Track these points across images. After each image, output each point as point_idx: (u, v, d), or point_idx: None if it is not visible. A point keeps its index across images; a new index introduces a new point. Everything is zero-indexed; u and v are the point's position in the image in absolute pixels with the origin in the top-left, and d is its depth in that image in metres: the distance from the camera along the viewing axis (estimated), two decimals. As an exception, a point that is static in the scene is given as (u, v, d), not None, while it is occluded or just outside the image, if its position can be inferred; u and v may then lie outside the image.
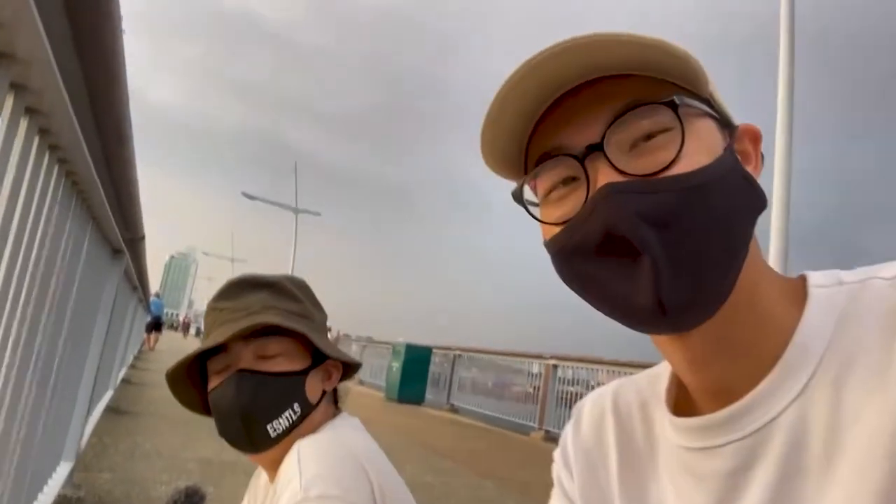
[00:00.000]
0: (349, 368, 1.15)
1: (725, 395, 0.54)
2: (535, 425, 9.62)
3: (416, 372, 12.88)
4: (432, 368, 13.19)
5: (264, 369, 1.01)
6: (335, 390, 1.16)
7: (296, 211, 40.78)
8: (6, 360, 1.60)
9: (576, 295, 0.57)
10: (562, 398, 9.51)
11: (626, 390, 0.69)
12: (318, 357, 1.08)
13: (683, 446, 0.58)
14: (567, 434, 0.72)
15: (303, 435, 1.04)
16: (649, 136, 0.51)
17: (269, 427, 1.00)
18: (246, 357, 1.02)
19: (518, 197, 0.58)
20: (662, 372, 0.66)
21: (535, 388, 10.25)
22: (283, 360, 1.03)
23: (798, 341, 0.52)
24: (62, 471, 3.39)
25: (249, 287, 1.08)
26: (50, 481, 3.11)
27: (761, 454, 0.51)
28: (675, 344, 0.55)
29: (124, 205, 2.76)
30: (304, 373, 1.05)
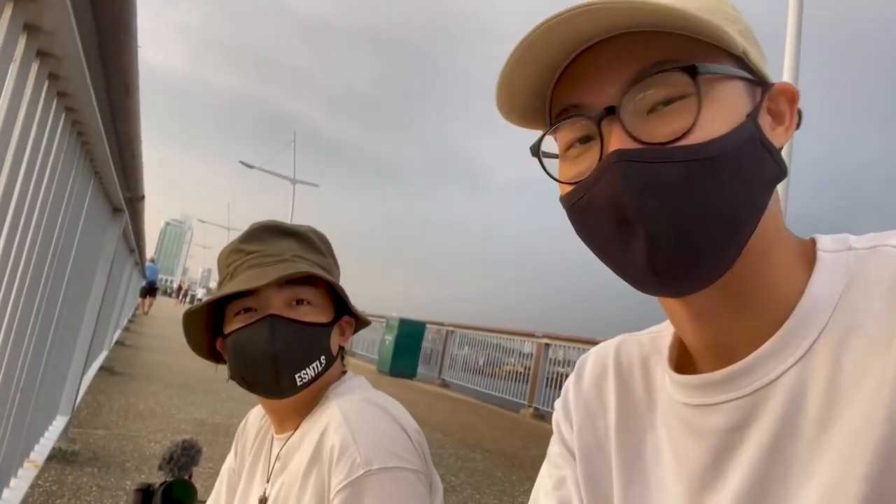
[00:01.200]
0: (359, 324, 1.16)
1: (726, 354, 0.55)
2: (525, 402, 9.71)
3: (408, 346, 12.93)
4: (424, 344, 13.25)
5: (297, 317, 1.01)
6: (341, 347, 1.16)
7: (293, 181, 40.60)
8: (10, 307, 1.61)
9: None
10: (552, 380, 9.58)
11: (629, 346, 0.70)
12: (338, 312, 1.08)
13: (682, 402, 0.58)
14: (569, 385, 0.73)
15: (319, 386, 1.05)
16: (668, 101, 0.50)
17: (297, 376, 0.99)
18: (277, 303, 1.01)
19: (535, 152, 0.58)
20: (665, 329, 0.67)
21: (525, 367, 10.31)
22: (314, 311, 1.04)
23: (804, 305, 0.52)
24: (58, 424, 3.43)
25: (278, 233, 1.07)
26: (47, 433, 3.15)
27: (759, 413, 0.52)
28: (678, 301, 0.56)
29: (126, 161, 2.75)
30: (330, 325, 1.05)
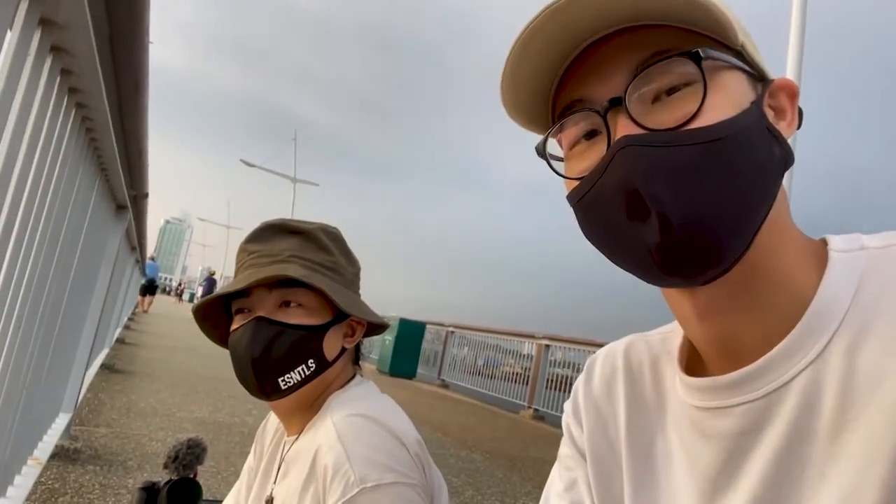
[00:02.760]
0: (374, 326, 1.13)
1: (735, 354, 0.54)
2: (525, 403, 9.71)
3: (408, 346, 12.93)
4: (424, 344, 13.25)
5: (283, 320, 1.00)
6: (358, 348, 1.14)
7: (294, 180, 40.59)
8: (17, 305, 1.60)
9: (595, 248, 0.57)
10: (552, 381, 9.57)
11: (638, 346, 0.70)
12: (342, 312, 1.05)
13: (693, 405, 0.58)
14: (578, 386, 0.73)
15: (318, 390, 1.04)
16: (672, 90, 0.51)
17: (280, 380, 0.99)
18: (267, 305, 1.01)
19: (541, 152, 0.58)
20: (674, 330, 0.67)
21: (524, 368, 10.31)
22: (304, 313, 1.02)
23: (816, 306, 0.51)
24: (61, 422, 3.42)
25: (281, 232, 1.06)
26: (50, 431, 3.14)
27: (772, 416, 0.51)
28: (684, 294, 0.55)
29: (133, 159, 2.75)
30: (322, 328, 1.02)
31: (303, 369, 1.00)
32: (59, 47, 1.29)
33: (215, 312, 1.10)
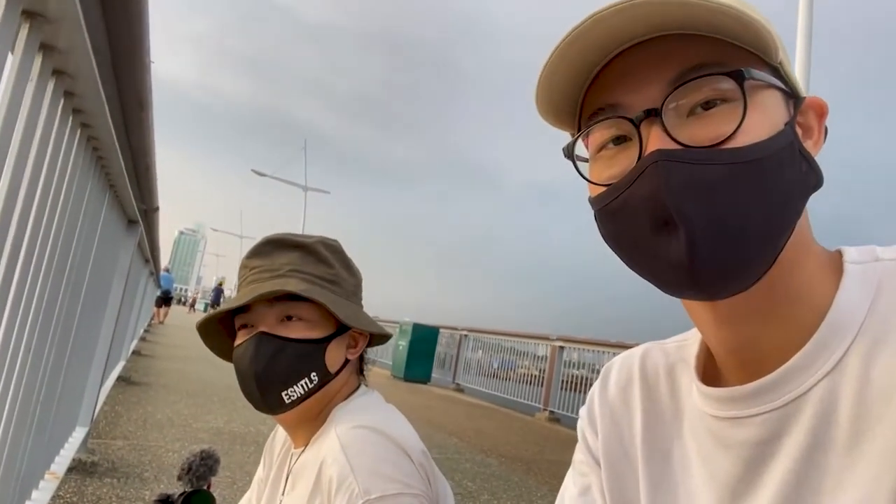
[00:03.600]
0: (376, 336, 1.14)
1: (753, 364, 0.55)
2: (540, 406, 9.68)
3: (422, 351, 12.94)
4: (438, 349, 13.26)
5: (284, 334, 1.01)
6: (361, 358, 1.15)
7: (305, 189, 40.81)
8: (29, 322, 1.63)
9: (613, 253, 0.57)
10: (567, 382, 9.53)
11: (654, 354, 0.70)
12: (343, 324, 1.06)
13: (711, 414, 0.58)
14: (594, 393, 0.73)
15: (322, 402, 1.05)
16: (708, 103, 0.50)
17: (283, 394, 1.00)
18: (268, 320, 1.02)
19: (569, 153, 0.58)
20: (690, 338, 0.67)
21: (540, 370, 10.29)
22: (305, 327, 1.03)
23: (833, 316, 0.51)
24: (77, 435, 3.46)
25: (281, 247, 1.08)
26: (67, 445, 3.17)
27: (790, 426, 0.52)
28: (704, 304, 0.55)
29: (141, 174, 2.78)
30: (324, 341, 1.04)
31: (306, 382, 1.01)
32: (60, 71, 1.32)
33: (223, 327, 1.11)
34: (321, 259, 1.08)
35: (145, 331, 13.30)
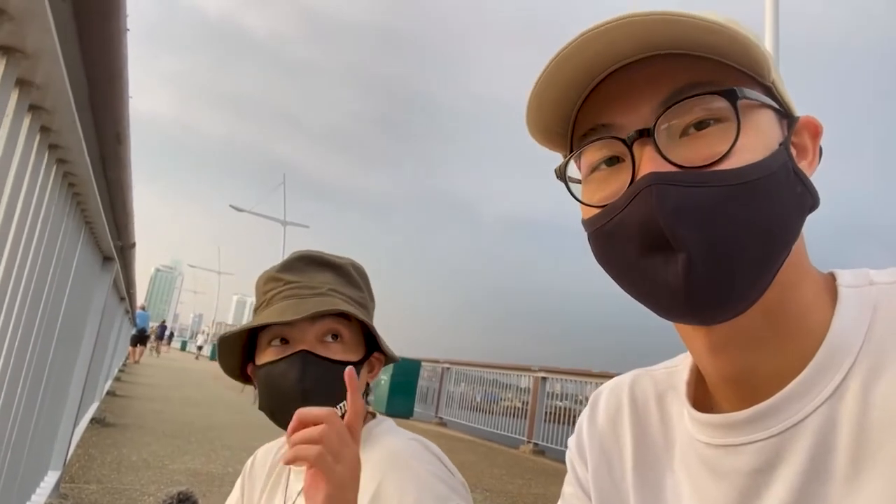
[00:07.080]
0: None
1: (749, 390, 0.53)
2: (525, 438, 9.59)
3: (404, 385, 12.78)
4: (420, 382, 13.11)
5: (326, 354, 1.00)
6: (367, 384, 1.14)
7: (284, 223, 40.68)
8: (1, 359, 1.58)
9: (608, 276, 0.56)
10: (551, 414, 9.47)
11: (643, 381, 0.68)
12: (369, 348, 1.07)
13: (703, 442, 0.56)
14: (582, 422, 0.71)
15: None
16: (701, 124, 0.49)
17: None
18: (308, 337, 1.00)
19: (561, 175, 0.57)
20: (680, 364, 0.66)
21: (523, 402, 10.21)
22: (343, 349, 1.02)
23: (830, 343, 0.50)
24: (49, 479, 3.34)
25: (315, 265, 1.06)
26: (38, 490, 3.06)
27: (786, 455, 0.50)
28: (698, 329, 0.54)
29: (118, 209, 2.75)
30: (360, 363, 1.04)
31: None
32: (37, 106, 1.31)
33: (238, 343, 1.07)
34: (352, 281, 1.08)
35: (120, 370, 13.00)
